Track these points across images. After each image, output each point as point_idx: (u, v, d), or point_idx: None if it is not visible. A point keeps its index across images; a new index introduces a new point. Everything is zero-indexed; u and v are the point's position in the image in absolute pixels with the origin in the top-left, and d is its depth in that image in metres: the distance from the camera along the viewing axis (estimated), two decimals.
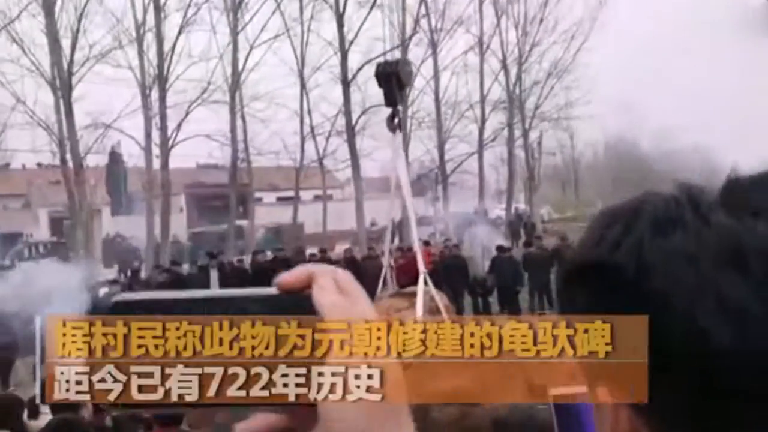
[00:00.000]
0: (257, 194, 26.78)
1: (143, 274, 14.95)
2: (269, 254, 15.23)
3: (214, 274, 14.00)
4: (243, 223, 23.06)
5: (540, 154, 29.37)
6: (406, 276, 10.17)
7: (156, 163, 19.53)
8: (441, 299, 8.95)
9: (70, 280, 9.42)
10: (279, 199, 29.82)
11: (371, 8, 20.91)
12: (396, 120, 10.21)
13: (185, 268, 15.45)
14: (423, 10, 22.08)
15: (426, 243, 16.76)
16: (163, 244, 19.46)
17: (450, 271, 13.38)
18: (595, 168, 41.35)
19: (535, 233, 24.79)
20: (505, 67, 25.04)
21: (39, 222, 26.63)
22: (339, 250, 18.00)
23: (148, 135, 19.17)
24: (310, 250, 15.80)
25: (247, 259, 15.39)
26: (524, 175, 28.21)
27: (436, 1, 22.36)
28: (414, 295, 8.55)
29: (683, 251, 0.45)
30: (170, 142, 19.34)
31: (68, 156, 18.22)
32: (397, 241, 22.48)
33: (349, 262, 13.36)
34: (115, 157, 27.84)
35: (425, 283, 8.66)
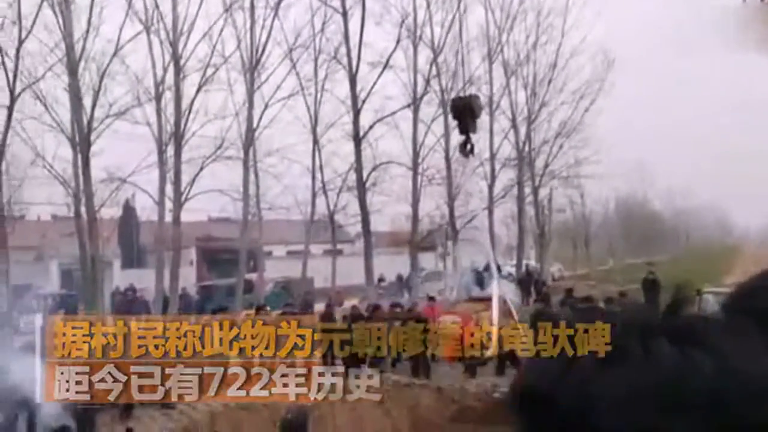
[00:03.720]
0: (267, 248, 26.80)
1: None
2: (269, 309, 14.94)
3: None
4: (252, 276, 23.00)
5: (550, 211, 29.38)
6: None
7: (168, 217, 19.68)
8: (512, 304, 10.49)
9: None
10: (289, 253, 29.85)
11: (383, 69, 21.49)
12: (468, 146, 11.37)
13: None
14: (434, 71, 22.63)
15: (431, 299, 16.59)
16: (172, 297, 19.38)
17: None
18: (606, 225, 41.09)
19: (545, 290, 24.44)
20: (514, 126, 25.39)
21: (50, 274, 26.72)
22: (348, 305, 17.78)
23: (162, 189, 19.39)
24: (318, 305, 15.59)
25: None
26: (535, 232, 28.11)
27: (446, 62, 22.93)
28: (489, 299, 9.90)
29: (627, 386, 0.43)
30: (183, 197, 19.55)
31: (83, 209, 18.43)
32: (407, 295, 22.30)
33: (356, 318, 13.18)
34: (128, 210, 28.18)
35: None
